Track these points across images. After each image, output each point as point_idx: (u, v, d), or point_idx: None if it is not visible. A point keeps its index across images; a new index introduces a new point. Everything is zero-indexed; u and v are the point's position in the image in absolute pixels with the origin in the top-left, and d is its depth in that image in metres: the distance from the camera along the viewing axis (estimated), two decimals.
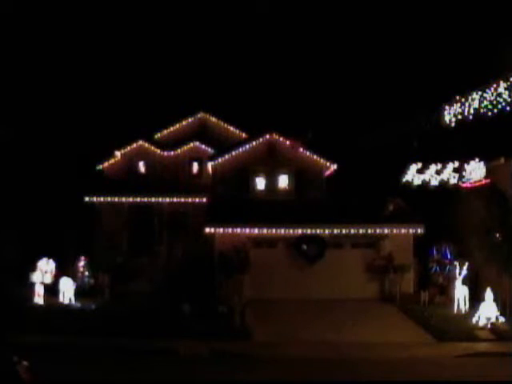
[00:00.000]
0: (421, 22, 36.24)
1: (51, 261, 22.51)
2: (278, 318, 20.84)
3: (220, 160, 27.75)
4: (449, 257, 23.30)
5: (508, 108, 21.23)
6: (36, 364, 10.47)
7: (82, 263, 24.19)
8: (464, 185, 23.74)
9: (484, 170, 22.68)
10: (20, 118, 32.41)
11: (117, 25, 39.17)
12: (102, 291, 23.30)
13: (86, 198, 27.63)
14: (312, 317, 20.90)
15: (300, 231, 24.17)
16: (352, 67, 37.61)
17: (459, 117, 23.69)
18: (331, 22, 40.62)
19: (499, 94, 21.72)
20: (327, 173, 28.30)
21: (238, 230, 24.04)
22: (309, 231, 24.18)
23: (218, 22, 43.58)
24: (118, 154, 29.97)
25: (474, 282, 22.13)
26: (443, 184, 24.23)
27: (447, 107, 24.38)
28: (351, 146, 32.63)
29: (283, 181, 27.54)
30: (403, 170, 25.22)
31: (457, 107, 23.82)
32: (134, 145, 30.00)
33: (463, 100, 23.50)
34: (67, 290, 22.25)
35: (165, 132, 31.89)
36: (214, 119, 32.04)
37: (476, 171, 23.01)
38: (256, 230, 24.10)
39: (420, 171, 24.84)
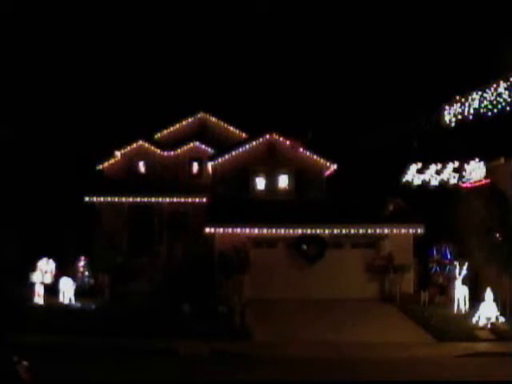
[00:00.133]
0: (421, 22, 36.28)
1: (51, 261, 22.51)
2: (278, 318, 20.83)
3: (220, 160, 27.76)
4: (449, 257, 23.30)
5: (508, 108, 21.23)
6: (36, 364, 10.46)
7: (82, 263, 24.19)
8: (464, 185, 23.73)
9: (484, 170, 22.68)
10: (20, 118, 32.41)
11: (117, 25, 39.20)
12: (102, 291, 23.30)
13: (86, 198, 27.63)
14: (312, 317, 20.90)
15: (300, 231, 24.17)
16: (352, 67, 37.65)
17: (459, 117, 23.69)
18: (331, 22, 40.67)
19: (499, 94, 21.71)
20: (327, 173, 28.31)
21: (238, 230, 24.05)
22: (309, 231, 24.18)
23: (218, 21, 43.62)
24: (118, 153, 29.97)
25: (474, 282, 22.12)
26: (443, 184, 24.22)
27: (447, 107, 24.38)
28: (351, 145, 32.63)
29: (283, 181, 27.55)
30: (403, 169, 25.21)
31: (457, 107, 23.81)
32: (134, 145, 30.00)
33: (463, 100, 23.50)
34: (67, 290, 22.25)
35: (165, 132, 31.89)
36: (213, 119, 32.04)
37: (476, 171, 23.01)
38: (256, 230, 24.10)
39: (420, 171, 24.83)
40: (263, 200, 26.54)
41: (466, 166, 23.41)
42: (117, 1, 39.05)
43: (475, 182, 23.12)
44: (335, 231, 24.25)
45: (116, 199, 27.85)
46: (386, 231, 24.19)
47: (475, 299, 20.80)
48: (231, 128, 31.96)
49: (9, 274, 22.40)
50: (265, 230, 24.11)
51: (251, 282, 23.03)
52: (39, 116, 33.77)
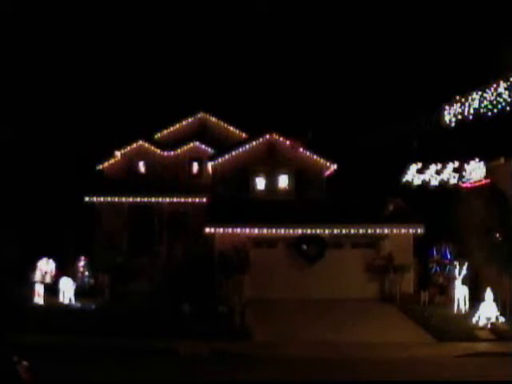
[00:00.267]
0: (421, 23, 36.28)
1: (51, 261, 22.53)
2: (278, 318, 20.83)
3: (220, 160, 27.76)
4: (449, 257, 23.30)
5: (508, 108, 21.22)
6: (36, 364, 10.46)
7: (82, 263, 24.19)
8: (464, 185, 23.73)
9: (484, 170, 22.67)
10: (20, 118, 32.41)
11: (117, 25, 39.20)
12: (102, 291, 23.30)
13: (86, 198, 27.62)
14: (312, 317, 20.90)
15: (300, 231, 24.17)
16: (352, 67, 37.65)
17: (459, 117, 23.68)
18: (331, 22, 40.67)
19: (499, 94, 21.71)
20: (327, 173, 28.31)
21: (238, 230, 24.05)
22: (309, 231, 24.19)
23: (218, 21, 43.63)
24: (117, 153, 29.97)
25: (474, 282, 22.12)
26: (443, 184, 24.22)
27: (447, 107, 24.38)
28: (351, 145, 32.62)
29: (283, 181, 27.55)
30: (403, 169, 25.22)
31: (457, 107, 23.81)
32: (134, 145, 30.00)
33: (463, 100, 23.50)
34: (67, 289, 22.25)
35: (165, 132, 31.89)
36: (213, 119, 32.04)
37: (476, 171, 23.01)
38: (256, 230, 24.11)
39: (420, 171, 24.84)
40: (263, 200, 26.54)
41: (465, 165, 23.41)
42: (117, 1, 39.07)
43: (475, 182, 23.12)
44: (335, 231, 24.26)
45: (116, 199, 27.85)
46: (385, 231, 24.19)
47: (475, 299, 20.80)
48: (231, 128, 31.96)
49: (9, 273, 22.40)
50: (265, 230, 24.11)
51: (251, 281, 23.03)
52: (39, 116, 33.76)
